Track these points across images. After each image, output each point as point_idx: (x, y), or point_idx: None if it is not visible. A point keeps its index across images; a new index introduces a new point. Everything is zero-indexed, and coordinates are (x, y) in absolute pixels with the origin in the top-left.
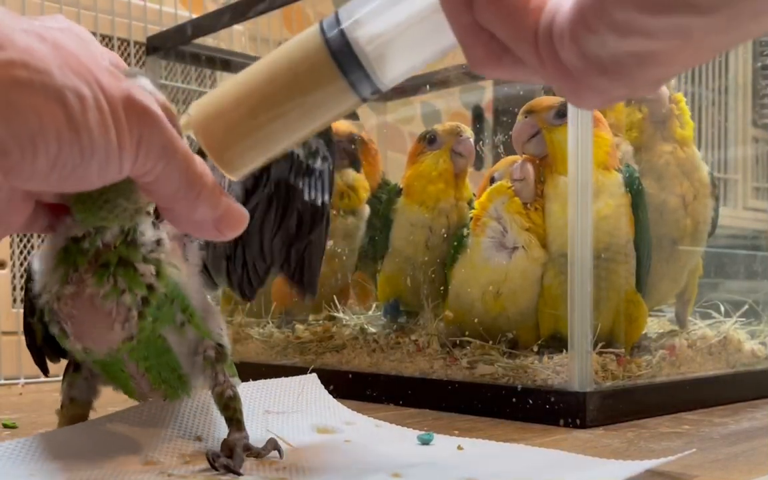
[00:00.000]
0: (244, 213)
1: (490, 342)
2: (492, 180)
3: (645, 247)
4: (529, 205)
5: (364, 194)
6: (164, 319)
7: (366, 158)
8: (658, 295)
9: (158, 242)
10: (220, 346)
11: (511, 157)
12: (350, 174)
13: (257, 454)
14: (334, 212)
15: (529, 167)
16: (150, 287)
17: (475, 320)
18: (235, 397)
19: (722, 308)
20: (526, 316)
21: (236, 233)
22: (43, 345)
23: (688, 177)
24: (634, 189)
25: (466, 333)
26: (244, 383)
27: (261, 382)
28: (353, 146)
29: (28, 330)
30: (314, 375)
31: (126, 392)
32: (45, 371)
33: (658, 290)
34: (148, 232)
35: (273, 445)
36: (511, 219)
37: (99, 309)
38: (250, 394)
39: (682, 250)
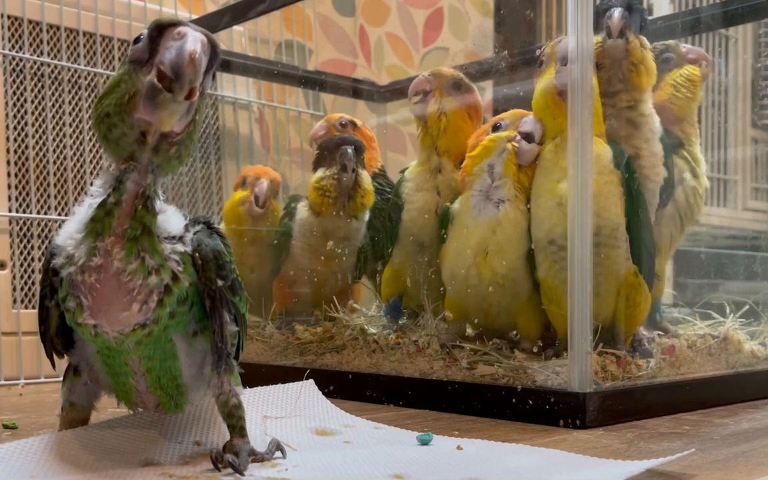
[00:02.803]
0: None
1: (491, 343)
2: (496, 127)
3: (641, 227)
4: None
5: (371, 199)
6: (179, 321)
7: None
8: None
9: (181, 239)
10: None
11: (520, 111)
12: (364, 176)
13: (262, 459)
14: (341, 212)
15: (540, 126)
16: (174, 276)
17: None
18: (239, 406)
19: (723, 309)
20: (518, 283)
21: None
22: (55, 336)
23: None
24: (623, 165)
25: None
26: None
27: (258, 388)
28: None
29: (44, 317)
30: (311, 380)
31: (122, 395)
32: (53, 364)
33: None
34: (175, 221)
35: (276, 446)
36: (505, 174)
37: (122, 285)
38: (248, 400)
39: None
